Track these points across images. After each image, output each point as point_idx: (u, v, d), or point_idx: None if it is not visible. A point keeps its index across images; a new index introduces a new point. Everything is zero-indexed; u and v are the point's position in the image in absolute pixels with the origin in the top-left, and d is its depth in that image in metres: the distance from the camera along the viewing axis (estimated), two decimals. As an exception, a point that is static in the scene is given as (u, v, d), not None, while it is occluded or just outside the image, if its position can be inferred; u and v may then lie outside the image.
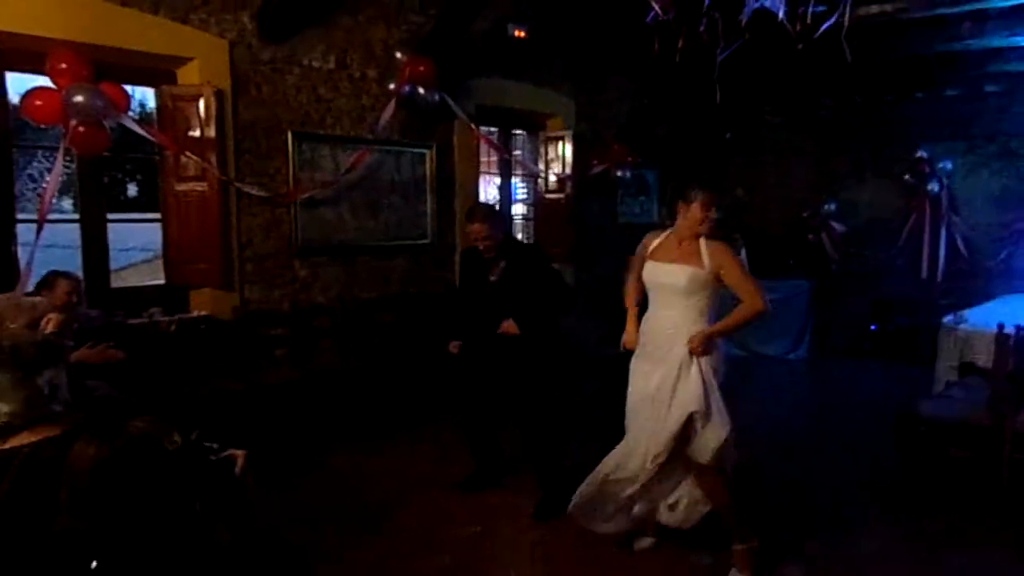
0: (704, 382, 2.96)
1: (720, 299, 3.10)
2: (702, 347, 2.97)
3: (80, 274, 4.38)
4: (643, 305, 3.28)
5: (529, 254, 4.02)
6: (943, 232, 7.23)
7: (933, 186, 7.14)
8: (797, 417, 5.54)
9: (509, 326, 3.75)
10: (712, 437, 2.96)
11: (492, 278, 3.86)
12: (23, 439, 1.48)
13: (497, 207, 6.97)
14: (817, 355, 7.56)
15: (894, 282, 7.62)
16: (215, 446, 1.66)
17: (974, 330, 4.81)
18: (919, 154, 7.16)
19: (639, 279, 3.25)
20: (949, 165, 7.17)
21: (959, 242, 7.24)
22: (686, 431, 2.97)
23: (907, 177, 7.28)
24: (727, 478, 3.09)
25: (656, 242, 3.22)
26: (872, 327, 7.61)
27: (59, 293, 3.28)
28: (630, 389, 3.21)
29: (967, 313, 5.18)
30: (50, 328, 2.06)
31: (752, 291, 3.00)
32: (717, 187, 3.37)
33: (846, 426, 5.26)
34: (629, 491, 3.14)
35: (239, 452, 1.57)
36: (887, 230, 7.61)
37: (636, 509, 3.23)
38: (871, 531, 3.55)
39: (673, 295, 3.06)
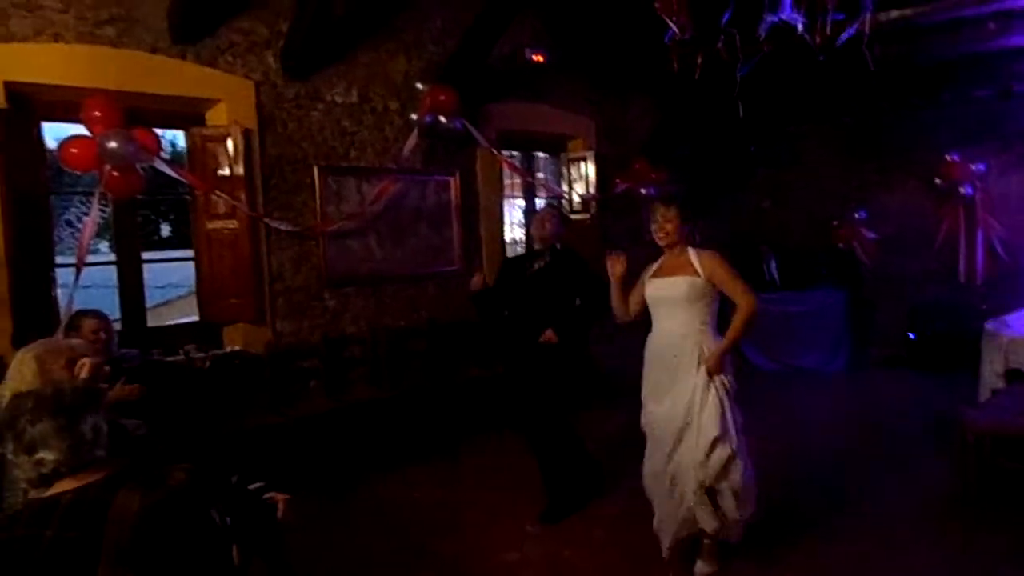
0: (721, 404, 3.10)
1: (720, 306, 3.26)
2: (718, 366, 3.10)
3: (117, 314, 4.49)
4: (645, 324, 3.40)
5: (570, 254, 4.13)
6: (979, 235, 7.05)
7: (966, 189, 6.99)
8: (839, 431, 5.40)
9: (550, 335, 3.85)
10: (732, 462, 3.10)
11: (533, 267, 4.02)
12: (67, 485, 1.50)
13: (523, 230, 7.02)
14: (855, 366, 7.39)
15: (931, 288, 7.45)
16: (261, 485, 1.66)
17: (1019, 336, 4.66)
18: (949, 157, 7.03)
19: (634, 297, 3.41)
20: (981, 167, 7.01)
21: (996, 245, 7.06)
22: (709, 455, 3.09)
23: (938, 181, 7.13)
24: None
25: (654, 268, 3.39)
26: (910, 335, 7.43)
27: (85, 333, 3.28)
28: (644, 408, 3.35)
29: (1009, 318, 5.03)
30: (84, 373, 2.10)
31: (743, 291, 3.15)
32: (666, 197, 3.54)
33: (890, 439, 5.12)
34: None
35: (281, 496, 1.58)
36: (921, 236, 7.45)
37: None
38: (923, 547, 3.44)
39: (676, 306, 3.21)
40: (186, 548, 1.30)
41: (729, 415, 3.12)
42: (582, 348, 4.09)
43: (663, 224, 3.27)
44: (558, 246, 4.12)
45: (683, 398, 3.12)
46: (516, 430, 4.19)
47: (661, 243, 3.31)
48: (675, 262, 3.28)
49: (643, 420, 3.36)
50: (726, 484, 3.09)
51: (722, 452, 3.07)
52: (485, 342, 5.70)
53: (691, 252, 3.25)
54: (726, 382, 3.14)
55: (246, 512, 1.46)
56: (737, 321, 3.16)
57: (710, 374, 3.10)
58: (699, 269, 3.18)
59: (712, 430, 3.06)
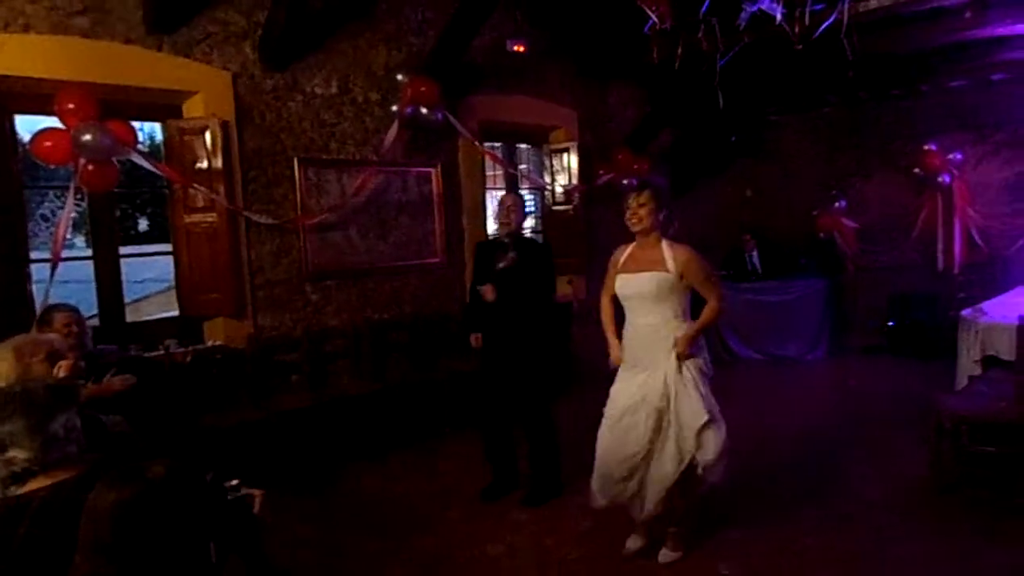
0: (699, 390, 3.11)
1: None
2: (687, 350, 3.11)
3: (95, 309, 4.44)
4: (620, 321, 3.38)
5: (539, 251, 4.15)
6: (957, 224, 7.14)
7: (943, 178, 7.07)
8: (818, 420, 5.46)
9: (487, 290, 3.92)
10: (712, 437, 3.11)
11: (500, 264, 4.02)
12: (40, 483, 1.49)
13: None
14: (835, 354, 7.47)
15: (910, 277, 7.54)
16: (235, 482, 1.65)
17: (994, 323, 4.73)
18: (927, 146, 7.10)
19: (611, 295, 3.36)
20: (959, 156, 7.10)
21: (974, 233, 7.15)
22: (699, 442, 3.10)
23: (916, 170, 7.21)
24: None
25: (624, 255, 3.32)
26: (890, 323, 7.52)
27: (57, 327, 3.18)
28: (611, 402, 3.30)
29: (985, 305, 5.10)
30: (62, 374, 2.08)
31: (717, 293, 3.17)
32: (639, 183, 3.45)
33: (869, 426, 5.18)
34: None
35: (257, 491, 1.57)
36: (900, 225, 7.54)
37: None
38: (900, 533, 3.48)
39: (645, 302, 3.17)
40: (164, 541, 1.29)
41: (707, 394, 3.14)
42: (559, 342, 4.12)
43: (636, 209, 3.18)
44: (525, 234, 4.16)
45: (656, 385, 3.13)
46: (485, 428, 4.18)
47: (634, 229, 3.22)
48: (645, 254, 3.21)
49: (605, 414, 3.32)
50: (702, 456, 3.12)
51: (712, 432, 3.11)
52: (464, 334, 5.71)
53: (664, 244, 3.18)
54: (700, 364, 3.17)
55: (222, 509, 1.44)
56: (708, 314, 3.19)
57: (679, 358, 3.11)
58: (670, 264, 3.11)
59: (700, 416, 3.07)
